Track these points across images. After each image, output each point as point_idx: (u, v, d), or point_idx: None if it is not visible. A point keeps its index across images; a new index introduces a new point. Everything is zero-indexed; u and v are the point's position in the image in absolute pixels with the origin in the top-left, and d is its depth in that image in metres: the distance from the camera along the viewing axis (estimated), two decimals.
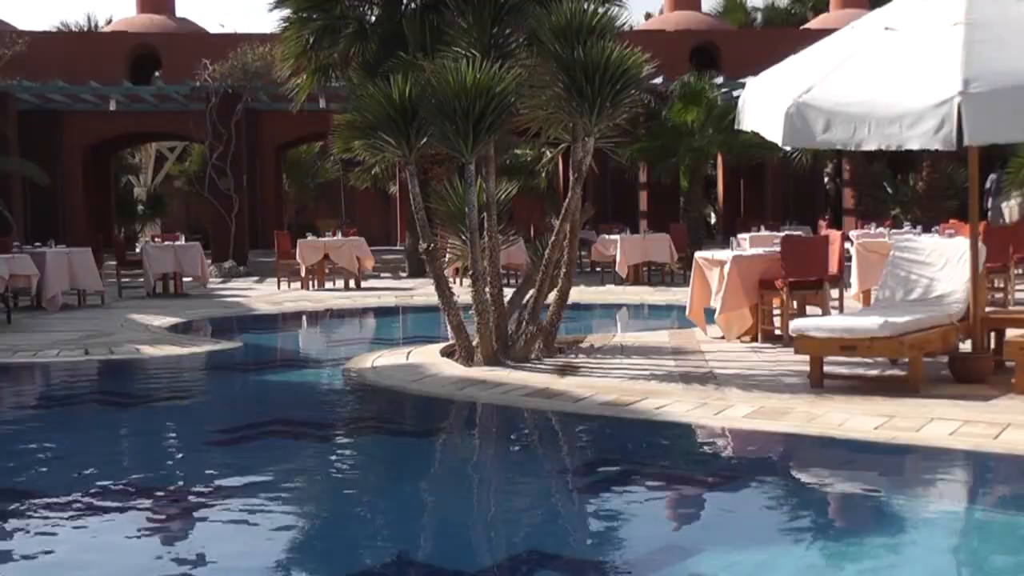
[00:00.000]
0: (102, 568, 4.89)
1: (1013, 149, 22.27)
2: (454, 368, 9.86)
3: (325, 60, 17.92)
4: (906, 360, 8.29)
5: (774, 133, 7.97)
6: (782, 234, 13.20)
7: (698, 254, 11.81)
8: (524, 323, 10.38)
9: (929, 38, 7.92)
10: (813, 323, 8.52)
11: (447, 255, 11.59)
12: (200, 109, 26.22)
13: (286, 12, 17.50)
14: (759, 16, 42.42)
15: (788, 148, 8.37)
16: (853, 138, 7.59)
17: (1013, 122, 7.43)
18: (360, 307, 17.75)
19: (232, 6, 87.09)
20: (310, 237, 21.45)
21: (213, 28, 37.44)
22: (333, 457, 7.29)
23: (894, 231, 16.74)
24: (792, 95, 7.82)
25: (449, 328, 10.37)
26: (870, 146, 7.60)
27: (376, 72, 13.60)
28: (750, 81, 9.05)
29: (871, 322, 8.11)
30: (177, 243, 20.37)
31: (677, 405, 7.80)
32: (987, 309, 9.37)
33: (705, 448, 7.31)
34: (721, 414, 7.49)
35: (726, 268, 10.82)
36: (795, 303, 11.03)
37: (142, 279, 19.96)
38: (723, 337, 11.17)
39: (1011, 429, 6.68)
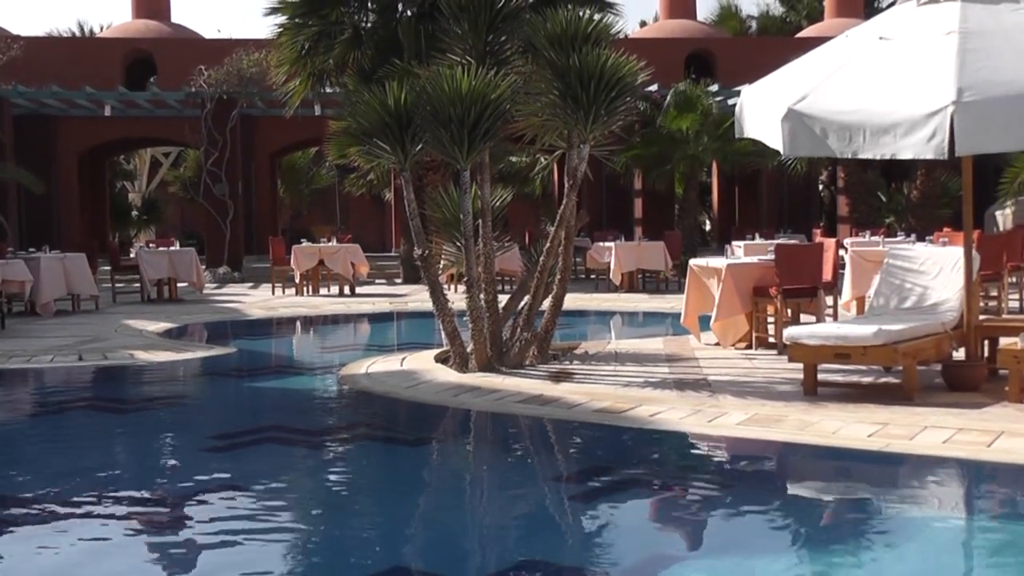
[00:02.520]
0: (92, 574, 4.88)
1: (1007, 158, 22.31)
2: (448, 374, 9.86)
3: (320, 66, 17.97)
4: (900, 368, 8.31)
5: (773, 141, 7.99)
6: (776, 242, 13.22)
7: (693, 261, 11.83)
8: (519, 330, 10.38)
9: (923, 47, 7.94)
10: (807, 331, 8.53)
11: (442, 261, 11.60)
12: (195, 115, 26.26)
13: (282, 18, 17.55)
14: (753, 24, 42.46)
15: (783, 156, 8.37)
16: (848, 147, 7.60)
17: (1006, 132, 7.44)
18: (354, 313, 17.76)
19: (228, 12, 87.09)
20: (305, 243, 21.46)
21: (209, 34, 37.45)
22: (327, 464, 7.29)
23: (888, 239, 16.78)
24: (787, 103, 7.83)
25: (443, 334, 10.38)
26: (864, 155, 7.61)
27: (371, 78, 13.65)
28: (745, 89, 9.07)
29: (865, 330, 8.12)
30: (172, 249, 20.36)
31: (671, 412, 7.80)
32: (981, 317, 9.38)
33: (699, 456, 7.30)
34: (715, 422, 7.50)
35: (722, 276, 10.85)
36: (789, 311, 11.05)
37: (137, 284, 19.95)
38: (718, 344, 11.19)
39: (1004, 437, 6.69)
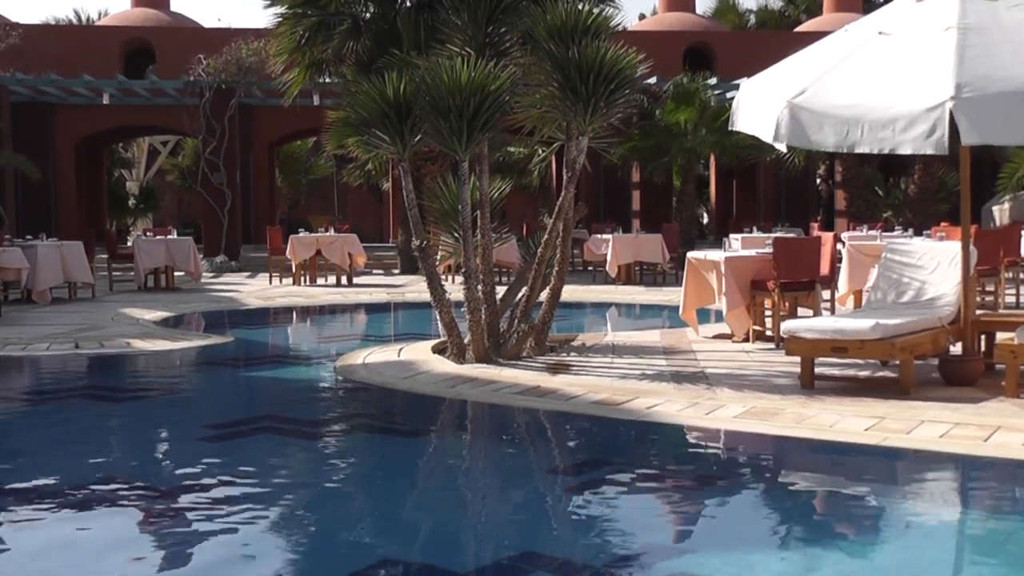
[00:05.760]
0: (88, 563, 4.88)
1: (1005, 153, 22.32)
2: (445, 365, 9.86)
3: (319, 56, 17.94)
4: (897, 362, 8.32)
5: (767, 134, 7.99)
6: (774, 235, 13.22)
7: (691, 254, 11.84)
8: (516, 321, 10.39)
9: (922, 43, 7.95)
10: (804, 324, 8.53)
11: (439, 252, 11.59)
12: (194, 104, 26.23)
13: (281, 8, 17.51)
14: (752, 18, 42.43)
15: (781, 150, 8.37)
16: (845, 140, 7.61)
17: (1004, 127, 7.46)
18: (352, 303, 17.77)
19: (227, 1, 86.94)
20: (303, 233, 21.46)
21: (208, 23, 37.41)
22: (323, 454, 7.29)
23: (885, 234, 16.79)
24: (786, 97, 7.84)
25: (441, 325, 10.38)
26: (862, 149, 7.62)
27: (370, 69, 13.63)
28: (744, 83, 9.07)
29: (862, 324, 8.13)
30: (169, 237, 20.36)
31: (668, 405, 7.81)
32: (977, 312, 9.39)
33: (695, 448, 7.31)
34: (712, 414, 7.51)
35: (722, 268, 10.86)
36: (787, 304, 11.06)
37: (133, 273, 19.95)
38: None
39: (1001, 432, 6.70)
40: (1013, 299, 14.53)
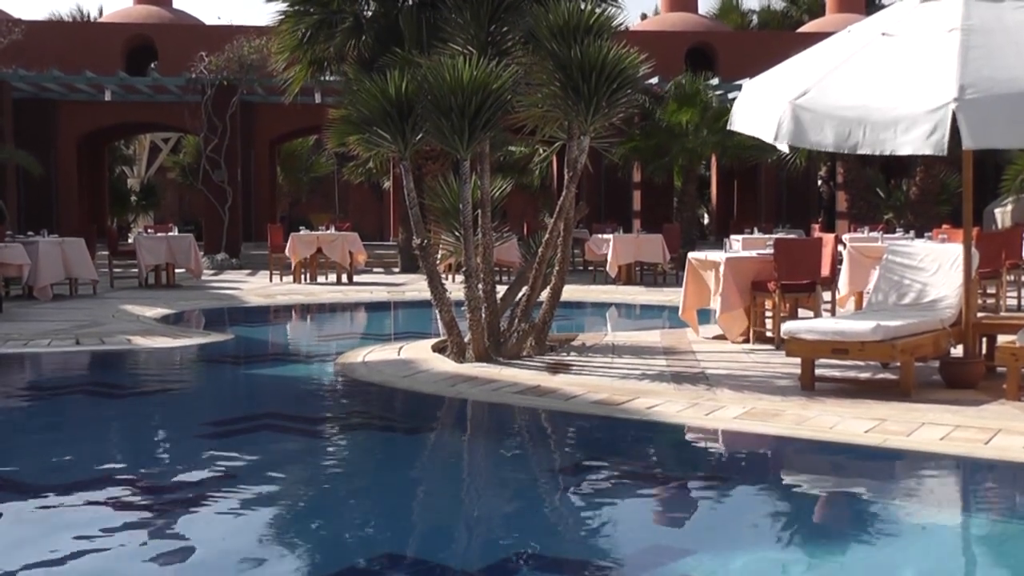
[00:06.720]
0: (87, 559, 4.87)
1: (1008, 156, 22.28)
2: (445, 364, 9.85)
3: (321, 54, 17.97)
4: (898, 364, 8.31)
5: (768, 135, 7.97)
6: (775, 236, 13.21)
7: (691, 255, 11.84)
8: (516, 320, 10.38)
9: (925, 44, 7.93)
10: (805, 326, 8.52)
11: (440, 251, 11.58)
12: (195, 101, 26.20)
13: (283, 5, 17.54)
14: (754, 18, 42.39)
15: (782, 151, 8.36)
16: (847, 142, 7.59)
17: (1008, 129, 7.45)
18: (352, 301, 17.75)
19: None
20: (303, 231, 21.45)
21: (210, 20, 37.40)
22: (322, 452, 7.28)
23: (887, 235, 16.77)
24: (788, 98, 7.83)
25: (441, 324, 10.37)
26: (864, 150, 7.60)
27: (372, 67, 13.64)
28: (746, 83, 9.06)
29: (863, 326, 8.12)
30: (170, 234, 20.35)
31: (668, 405, 7.80)
32: (979, 315, 9.38)
33: (695, 449, 7.31)
34: (712, 415, 7.50)
35: (721, 269, 10.85)
36: (787, 305, 11.05)
37: (135, 270, 19.95)
38: (724, 338, 11.17)
39: (1001, 435, 6.69)
40: (1014, 302, 14.51)
